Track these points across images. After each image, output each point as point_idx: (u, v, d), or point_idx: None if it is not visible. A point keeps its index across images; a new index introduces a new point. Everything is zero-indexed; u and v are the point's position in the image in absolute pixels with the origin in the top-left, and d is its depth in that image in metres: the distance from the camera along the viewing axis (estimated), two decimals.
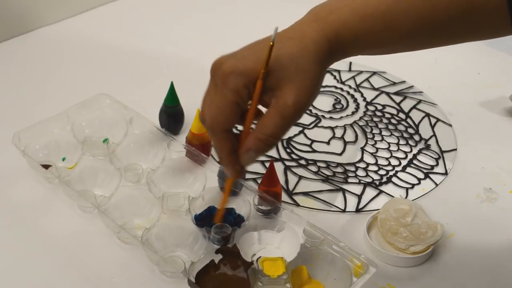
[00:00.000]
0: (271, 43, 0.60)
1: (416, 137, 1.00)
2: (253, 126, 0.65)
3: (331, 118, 1.03)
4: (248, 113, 0.64)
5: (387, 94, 1.10)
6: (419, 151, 0.97)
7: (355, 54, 0.69)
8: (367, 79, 1.14)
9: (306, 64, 0.62)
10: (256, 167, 0.91)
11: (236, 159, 0.65)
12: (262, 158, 0.93)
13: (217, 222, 0.76)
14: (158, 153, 0.88)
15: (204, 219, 0.79)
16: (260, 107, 0.65)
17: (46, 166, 0.84)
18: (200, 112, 0.65)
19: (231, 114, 0.63)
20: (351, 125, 1.02)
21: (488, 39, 0.70)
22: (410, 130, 1.01)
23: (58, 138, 0.90)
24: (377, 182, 0.91)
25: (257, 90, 0.62)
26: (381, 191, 0.89)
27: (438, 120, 1.04)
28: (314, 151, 0.96)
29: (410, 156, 0.96)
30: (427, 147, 0.98)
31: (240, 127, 0.66)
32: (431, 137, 1.00)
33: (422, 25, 0.65)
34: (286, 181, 0.90)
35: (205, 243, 0.76)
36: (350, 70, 1.16)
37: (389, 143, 0.98)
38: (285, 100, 0.61)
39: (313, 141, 0.98)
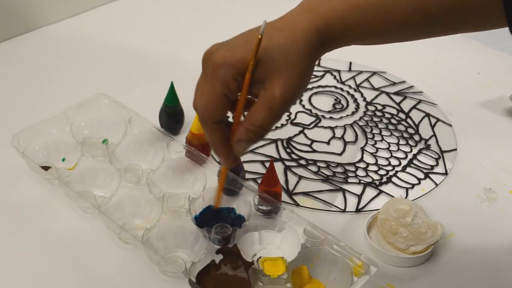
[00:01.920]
0: (260, 36, 0.60)
1: (416, 137, 1.00)
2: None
3: (331, 118, 1.03)
4: (237, 104, 0.64)
5: (387, 94, 1.10)
6: (419, 151, 0.97)
7: (347, 44, 0.68)
8: (367, 79, 1.14)
9: (295, 57, 0.62)
10: (256, 167, 0.92)
11: (229, 149, 0.65)
12: (262, 158, 0.93)
13: (216, 206, 0.76)
14: (157, 153, 0.89)
15: (204, 219, 0.79)
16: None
17: (45, 168, 0.84)
18: (193, 101, 0.65)
19: (220, 106, 0.63)
20: (351, 125, 1.02)
21: (482, 31, 0.70)
22: (410, 130, 1.01)
23: (57, 139, 0.90)
24: (377, 182, 0.91)
25: (246, 82, 0.62)
26: (381, 191, 0.89)
27: (438, 120, 1.04)
28: (314, 151, 0.96)
29: (410, 156, 0.96)
30: (427, 147, 0.98)
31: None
32: (431, 137, 1.00)
33: (414, 16, 0.65)
34: (286, 181, 0.90)
35: (205, 243, 0.76)
36: (350, 70, 1.16)
37: (389, 143, 0.98)
38: (273, 92, 0.61)
39: (313, 141, 0.98)
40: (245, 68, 0.61)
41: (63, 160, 0.88)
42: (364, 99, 1.08)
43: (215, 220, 0.78)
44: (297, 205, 0.86)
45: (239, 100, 0.64)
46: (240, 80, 0.62)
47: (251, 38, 0.62)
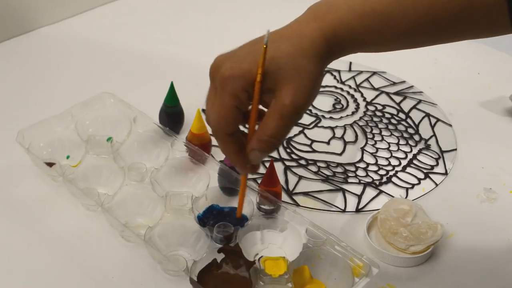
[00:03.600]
0: (265, 46, 0.60)
1: (416, 137, 1.00)
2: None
3: (331, 118, 1.04)
4: (250, 115, 0.64)
5: (387, 94, 1.10)
6: (419, 151, 0.97)
7: (354, 52, 0.68)
8: (367, 79, 1.14)
9: (303, 64, 0.62)
10: None
11: (245, 158, 0.64)
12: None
13: (238, 216, 0.74)
14: (161, 152, 0.89)
15: (207, 218, 0.79)
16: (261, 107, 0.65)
17: (50, 164, 0.85)
18: (205, 115, 0.65)
19: (232, 118, 0.62)
20: (351, 125, 1.02)
21: (488, 37, 0.70)
22: (410, 130, 1.01)
23: (62, 137, 0.90)
24: (377, 182, 0.91)
25: (256, 92, 0.61)
26: (381, 191, 0.89)
27: (438, 120, 1.04)
28: (314, 151, 0.96)
29: (410, 156, 0.96)
30: (427, 147, 0.98)
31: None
32: (431, 137, 1.00)
33: (421, 24, 0.65)
34: (286, 181, 0.90)
35: (207, 242, 0.76)
36: (350, 70, 1.16)
37: (389, 143, 0.98)
38: (283, 100, 0.61)
39: (313, 141, 0.98)
40: (254, 78, 0.61)
41: (68, 157, 0.89)
42: (364, 99, 1.08)
43: (218, 219, 0.78)
44: (297, 205, 0.86)
45: (252, 111, 0.63)
46: (250, 90, 0.61)
47: (257, 49, 0.61)
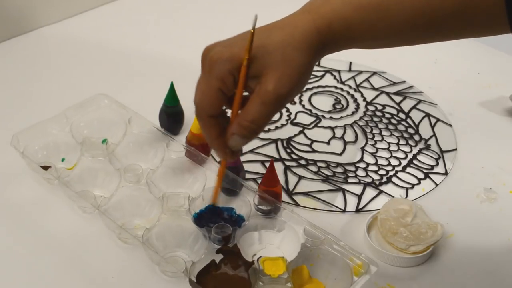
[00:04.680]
0: (252, 31, 0.61)
1: (416, 137, 1.00)
2: None
3: (331, 118, 1.03)
4: (234, 99, 0.64)
5: (387, 94, 1.10)
6: (419, 151, 0.97)
7: (350, 47, 0.68)
8: (367, 79, 1.13)
9: (292, 53, 0.62)
10: (256, 167, 0.91)
11: (225, 143, 0.65)
12: (262, 158, 0.93)
13: (214, 201, 0.75)
14: (157, 153, 0.88)
15: (203, 218, 0.79)
16: None
17: (45, 167, 0.84)
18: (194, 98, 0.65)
19: (215, 100, 0.63)
20: (351, 125, 1.02)
21: (486, 36, 0.70)
22: (410, 130, 1.01)
23: (57, 139, 0.89)
24: (377, 182, 0.91)
25: (241, 76, 0.62)
26: (381, 191, 0.89)
27: (438, 120, 1.04)
28: (314, 151, 0.96)
29: (410, 156, 0.96)
30: (427, 147, 0.98)
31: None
32: (431, 137, 1.00)
33: (417, 19, 0.65)
34: (286, 181, 0.90)
35: (205, 243, 0.76)
36: (350, 70, 1.16)
37: (389, 143, 0.98)
38: (266, 86, 0.61)
39: (313, 141, 0.98)
40: (241, 62, 0.61)
41: (63, 160, 0.88)
42: (364, 99, 1.08)
43: (215, 219, 0.78)
44: (297, 205, 0.86)
45: (236, 95, 0.64)
46: (236, 75, 0.62)
47: (248, 36, 0.62)
